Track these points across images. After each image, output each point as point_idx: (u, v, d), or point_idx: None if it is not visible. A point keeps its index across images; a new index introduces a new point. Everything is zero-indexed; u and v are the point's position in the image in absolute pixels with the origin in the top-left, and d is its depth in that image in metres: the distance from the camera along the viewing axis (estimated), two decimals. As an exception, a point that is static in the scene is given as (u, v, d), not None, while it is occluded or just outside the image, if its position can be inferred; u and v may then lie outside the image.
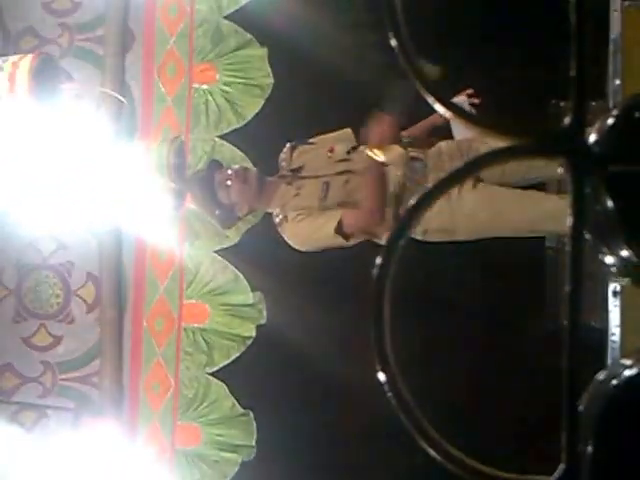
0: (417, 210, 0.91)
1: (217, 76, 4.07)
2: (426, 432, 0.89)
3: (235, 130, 4.04)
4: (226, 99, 4.05)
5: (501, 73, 4.23)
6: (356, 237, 3.38)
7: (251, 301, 4.02)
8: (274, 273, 4.07)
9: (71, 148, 3.56)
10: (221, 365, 4.04)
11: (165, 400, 4.08)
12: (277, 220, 3.46)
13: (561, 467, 0.89)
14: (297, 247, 3.44)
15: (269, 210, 3.57)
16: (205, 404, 4.04)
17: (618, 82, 3.00)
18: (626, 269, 1.02)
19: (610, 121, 0.99)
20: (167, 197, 3.61)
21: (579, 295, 0.88)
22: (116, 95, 3.97)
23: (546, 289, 3.75)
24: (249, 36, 4.04)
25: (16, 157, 3.35)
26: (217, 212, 3.52)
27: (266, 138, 3.84)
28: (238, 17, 4.05)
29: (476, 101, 3.41)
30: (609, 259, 1.02)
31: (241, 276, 4.03)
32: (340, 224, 3.29)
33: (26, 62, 3.17)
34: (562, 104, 3.51)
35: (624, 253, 0.99)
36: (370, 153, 3.24)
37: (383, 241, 3.40)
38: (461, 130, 3.34)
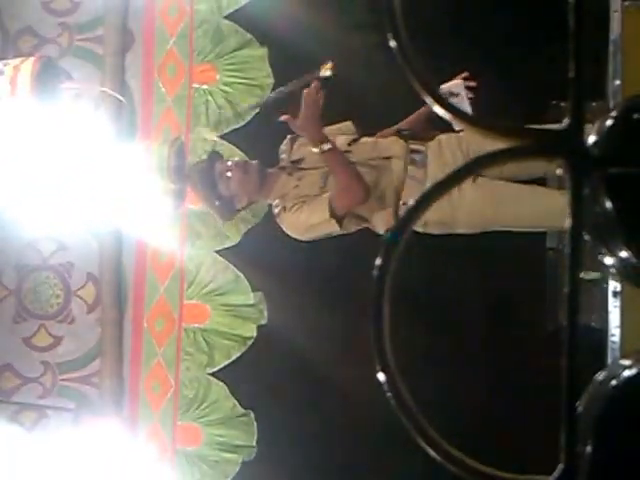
0: (417, 210, 0.91)
1: (217, 76, 4.08)
2: (426, 432, 0.89)
3: (235, 130, 4.04)
4: (226, 99, 4.05)
5: (501, 73, 4.22)
6: (350, 222, 3.36)
7: (252, 301, 4.02)
8: (275, 273, 4.07)
9: (71, 148, 3.56)
10: (222, 365, 4.04)
11: (165, 400, 4.08)
12: (276, 210, 3.45)
13: (560, 467, 0.89)
14: (296, 236, 3.41)
15: (269, 201, 3.56)
16: (205, 404, 4.04)
17: (618, 82, 3.00)
18: (625, 270, 1.02)
19: (609, 122, 0.99)
20: (167, 198, 3.62)
21: (577, 295, 0.88)
22: (116, 95, 3.97)
23: (547, 290, 3.75)
24: (249, 36, 4.04)
25: (16, 158, 3.35)
26: (217, 203, 3.50)
27: (266, 138, 3.84)
28: (238, 17, 4.05)
29: (472, 84, 3.35)
30: (608, 260, 1.03)
31: (242, 276, 4.03)
32: (332, 207, 3.28)
33: (28, 65, 3.16)
34: (562, 105, 3.50)
35: (623, 254, 1.00)
36: (312, 147, 3.24)
37: (379, 229, 3.40)
38: None
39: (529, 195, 3.33)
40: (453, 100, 3.31)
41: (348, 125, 3.59)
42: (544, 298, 3.74)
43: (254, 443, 4.02)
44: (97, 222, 3.93)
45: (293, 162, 3.52)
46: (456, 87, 3.32)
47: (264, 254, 3.95)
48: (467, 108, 3.28)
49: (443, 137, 3.46)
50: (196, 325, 4.06)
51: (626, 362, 1.03)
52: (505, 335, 4.34)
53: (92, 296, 4.15)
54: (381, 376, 0.90)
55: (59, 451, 3.91)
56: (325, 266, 4.26)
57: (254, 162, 3.52)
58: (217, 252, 4.05)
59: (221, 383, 4.03)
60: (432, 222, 3.28)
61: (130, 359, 4.12)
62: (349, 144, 3.47)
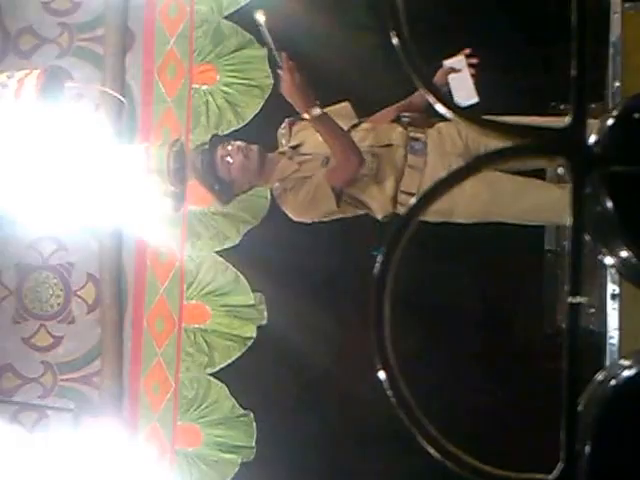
0: (416, 211, 0.91)
1: (217, 77, 4.07)
2: (426, 431, 0.89)
3: (235, 130, 4.04)
4: (226, 100, 4.05)
5: (501, 73, 4.23)
6: (347, 204, 3.34)
7: (252, 302, 4.02)
8: (275, 274, 4.07)
9: (71, 148, 3.56)
10: (221, 366, 4.04)
11: (165, 401, 4.08)
12: (277, 192, 3.43)
13: (560, 466, 0.89)
14: (298, 218, 3.39)
15: (269, 186, 3.54)
16: (205, 405, 4.04)
17: (618, 84, 3.00)
18: (626, 270, 1.03)
19: (610, 122, 0.99)
20: (167, 199, 3.61)
21: (578, 295, 0.88)
22: (116, 95, 3.97)
23: (545, 292, 3.76)
24: (249, 36, 4.03)
25: (16, 158, 3.35)
26: (216, 187, 3.48)
27: (266, 138, 3.84)
28: (238, 17, 4.04)
29: (474, 61, 3.34)
30: (609, 260, 1.03)
31: (242, 277, 4.03)
32: (329, 179, 3.27)
33: (32, 79, 3.16)
34: (562, 106, 3.51)
35: (623, 254, 1.00)
36: (305, 115, 3.21)
37: (378, 215, 3.38)
38: (462, 94, 3.29)
39: (528, 187, 3.32)
40: (455, 76, 3.32)
41: (346, 107, 3.56)
42: (542, 300, 3.75)
43: (253, 444, 4.02)
44: (97, 222, 3.92)
45: (292, 147, 3.51)
46: (458, 63, 3.32)
47: (264, 255, 3.96)
48: (470, 84, 3.29)
49: (443, 125, 3.44)
50: (196, 325, 4.06)
51: (626, 362, 1.03)
52: (504, 336, 4.35)
53: (92, 296, 4.15)
54: (381, 375, 0.90)
55: (59, 451, 3.91)
56: (325, 267, 4.26)
57: (255, 146, 3.49)
58: (217, 253, 4.05)
59: (221, 383, 4.03)
60: (431, 210, 3.26)
61: (130, 359, 4.12)
62: (348, 130, 3.45)
